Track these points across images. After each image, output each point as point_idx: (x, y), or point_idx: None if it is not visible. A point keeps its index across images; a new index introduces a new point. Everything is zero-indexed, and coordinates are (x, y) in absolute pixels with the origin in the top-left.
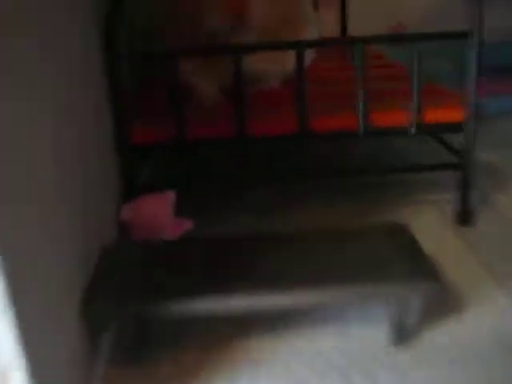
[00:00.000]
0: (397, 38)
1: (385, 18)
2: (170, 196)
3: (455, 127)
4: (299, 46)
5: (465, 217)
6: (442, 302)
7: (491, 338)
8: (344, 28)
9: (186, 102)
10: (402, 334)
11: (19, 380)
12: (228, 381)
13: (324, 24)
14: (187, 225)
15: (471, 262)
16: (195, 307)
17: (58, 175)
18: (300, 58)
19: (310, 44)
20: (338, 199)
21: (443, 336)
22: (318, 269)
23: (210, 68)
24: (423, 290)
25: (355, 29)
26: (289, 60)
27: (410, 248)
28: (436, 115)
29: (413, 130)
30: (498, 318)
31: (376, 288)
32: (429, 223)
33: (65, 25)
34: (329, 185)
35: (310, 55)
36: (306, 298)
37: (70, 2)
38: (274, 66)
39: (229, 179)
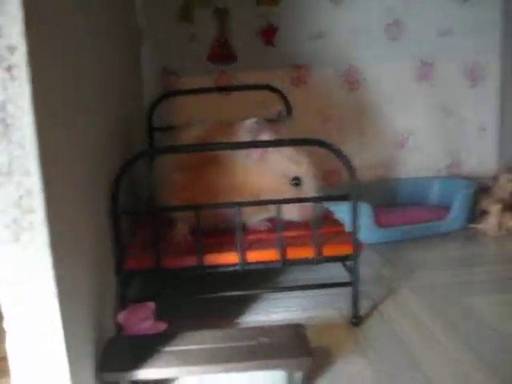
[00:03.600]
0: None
1: None
2: (151, 306)
3: (347, 257)
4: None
5: (355, 320)
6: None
7: None
8: None
9: (164, 240)
10: None
11: None
12: None
13: None
14: (162, 326)
15: (351, 347)
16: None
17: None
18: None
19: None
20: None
21: None
22: (240, 349)
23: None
24: (303, 363)
25: None
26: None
27: (301, 340)
28: (333, 250)
29: (315, 261)
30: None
31: (275, 362)
32: (332, 324)
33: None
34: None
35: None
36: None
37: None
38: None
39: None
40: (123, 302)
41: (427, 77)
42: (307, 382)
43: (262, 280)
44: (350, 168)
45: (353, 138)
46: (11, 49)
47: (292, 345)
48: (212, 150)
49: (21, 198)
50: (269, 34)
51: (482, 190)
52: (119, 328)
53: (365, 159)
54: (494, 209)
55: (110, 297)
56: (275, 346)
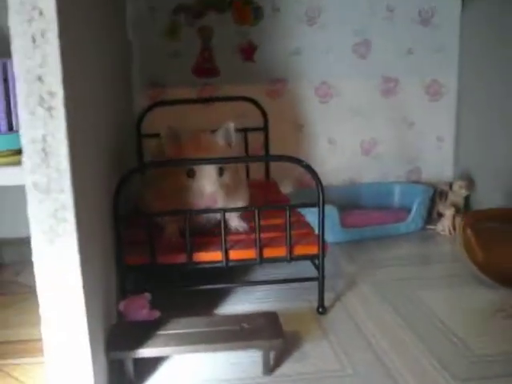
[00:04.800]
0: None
1: None
2: (147, 296)
3: (315, 256)
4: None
5: (321, 309)
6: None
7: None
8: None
9: (157, 238)
10: (267, 368)
11: None
12: None
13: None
14: (157, 314)
15: (316, 332)
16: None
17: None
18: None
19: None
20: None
21: (290, 369)
22: (225, 332)
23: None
24: (276, 344)
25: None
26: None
27: (273, 324)
28: (302, 249)
29: (288, 258)
30: (321, 360)
31: (251, 342)
32: (301, 313)
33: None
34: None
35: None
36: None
37: None
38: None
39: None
40: (122, 293)
41: (391, 92)
42: (280, 361)
43: (242, 275)
44: (318, 181)
45: (323, 145)
46: (51, 94)
47: (267, 329)
48: (193, 164)
49: (56, 210)
50: (249, 51)
51: (438, 194)
52: (120, 315)
53: (333, 164)
54: (449, 212)
55: (112, 288)
56: (254, 330)
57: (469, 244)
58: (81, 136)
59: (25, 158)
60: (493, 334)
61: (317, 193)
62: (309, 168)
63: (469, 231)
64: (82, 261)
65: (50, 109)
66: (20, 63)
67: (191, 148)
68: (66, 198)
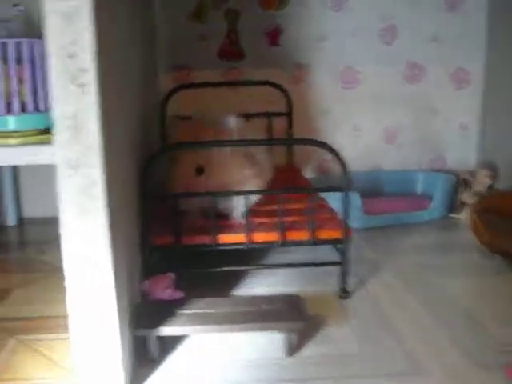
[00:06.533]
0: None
1: None
2: (171, 276)
3: (338, 241)
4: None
5: (344, 294)
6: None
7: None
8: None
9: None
10: (289, 350)
11: None
12: None
13: None
14: (180, 294)
15: (339, 315)
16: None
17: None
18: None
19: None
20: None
21: (312, 351)
22: (245, 313)
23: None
24: (297, 326)
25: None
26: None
27: (295, 307)
28: (326, 234)
29: (311, 242)
30: (343, 343)
31: (274, 324)
32: (323, 297)
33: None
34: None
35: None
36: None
37: None
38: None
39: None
40: (146, 272)
41: (416, 79)
42: (302, 343)
43: (258, 259)
44: (343, 165)
45: (346, 131)
46: (83, 70)
47: (289, 311)
48: (220, 145)
49: (86, 187)
50: (275, 35)
51: (461, 183)
52: (143, 294)
53: (356, 151)
54: (472, 201)
55: (136, 267)
56: (274, 312)
57: (475, 226)
58: (111, 113)
59: (56, 134)
60: None
61: (342, 177)
62: (334, 152)
63: (474, 215)
64: (112, 238)
65: (81, 85)
66: (53, 40)
67: None
68: (97, 174)
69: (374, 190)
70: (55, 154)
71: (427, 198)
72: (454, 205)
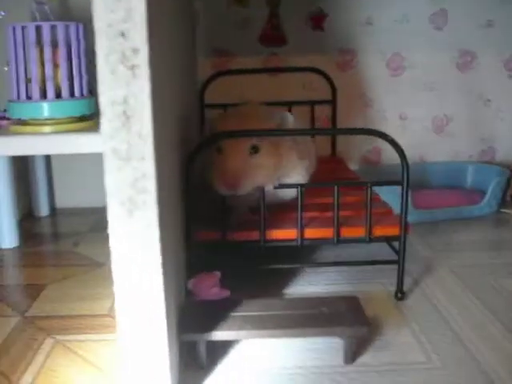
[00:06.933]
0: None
1: None
2: (217, 274)
3: (394, 238)
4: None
5: (400, 295)
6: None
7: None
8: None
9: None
10: (349, 357)
11: None
12: None
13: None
14: (227, 293)
15: (397, 318)
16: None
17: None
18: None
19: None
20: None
21: (372, 358)
22: (303, 316)
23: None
24: (359, 331)
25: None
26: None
27: (356, 310)
28: (382, 230)
29: (367, 239)
30: (405, 350)
31: (334, 329)
32: (377, 298)
33: None
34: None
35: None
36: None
37: None
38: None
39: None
40: (190, 270)
41: (467, 66)
42: (361, 349)
43: (309, 256)
44: (403, 157)
45: (392, 120)
46: (135, 51)
47: (349, 315)
48: (270, 135)
49: (136, 180)
50: (319, 19)
51: None
52: (188, 294)
53: (402, 141)
54: None
55: (181, 265)
56: (334, 315)
57: None
58: (161, 99)
59: (103, 121)
60: None
61: (401, 170)
62: (393, 143)
63: None
64: (162, 236)
65: (133, 67)
66: (101, 17)
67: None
68: (148, 166)
69: (420, 182)
70: (103, 144)
71: (478, 191)
72: (504, 200)
